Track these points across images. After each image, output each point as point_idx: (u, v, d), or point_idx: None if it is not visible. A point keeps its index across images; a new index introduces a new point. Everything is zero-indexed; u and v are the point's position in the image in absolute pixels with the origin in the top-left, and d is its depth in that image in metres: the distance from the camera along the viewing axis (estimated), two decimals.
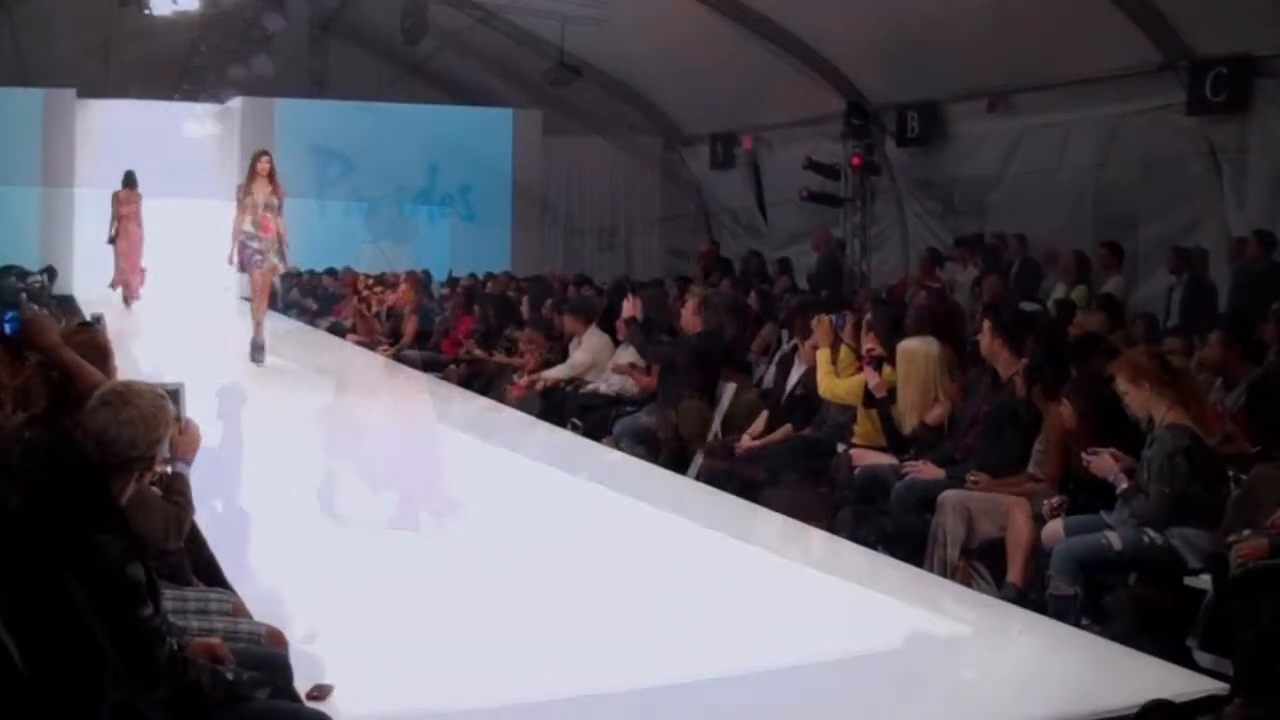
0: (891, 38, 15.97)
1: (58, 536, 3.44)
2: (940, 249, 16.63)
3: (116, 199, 19.93)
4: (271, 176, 12.97)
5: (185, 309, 19.85)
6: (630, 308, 10.52)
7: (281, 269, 13.73)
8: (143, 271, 19.85)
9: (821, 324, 8.83)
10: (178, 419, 4.78)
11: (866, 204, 18.61)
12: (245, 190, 13.07)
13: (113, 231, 19.70)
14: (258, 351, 13.14)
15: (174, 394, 4.69)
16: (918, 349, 8.11)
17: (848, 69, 17.64)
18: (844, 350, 8.83)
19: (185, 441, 4.82)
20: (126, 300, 19.33)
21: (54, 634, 3.39)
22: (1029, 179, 15.74)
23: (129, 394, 3.68)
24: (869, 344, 8.36)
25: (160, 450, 3.72)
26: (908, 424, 8.09)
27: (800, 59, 17.72)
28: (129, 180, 19.98)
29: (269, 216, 12.94)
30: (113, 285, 19.43)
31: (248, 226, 12.97)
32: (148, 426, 3.62)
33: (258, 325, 13.28)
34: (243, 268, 13.32)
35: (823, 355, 8.77)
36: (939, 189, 17.60)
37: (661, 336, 11.47)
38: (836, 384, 8.68)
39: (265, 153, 13.28)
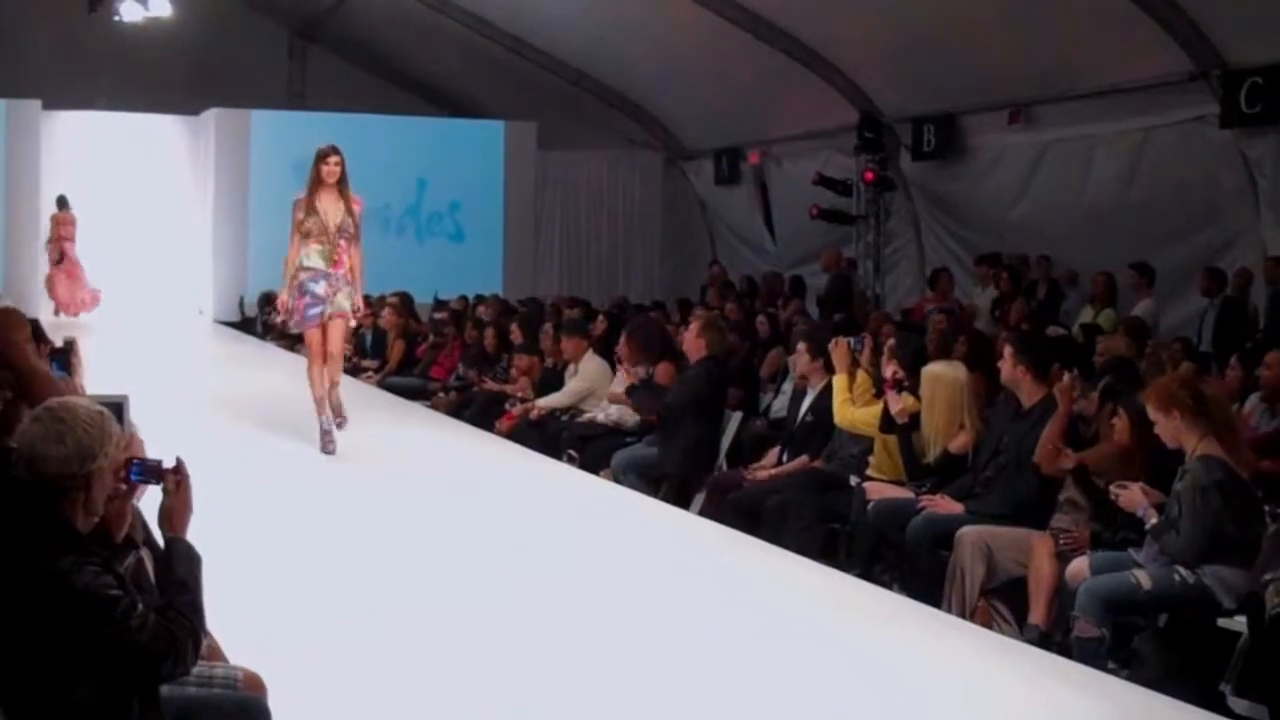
0: (907, 46, 16.05)
1: (11, 574, 3.46)
2: (950, 270, 16.66)
3: (54, 221, 20.52)
4: (343, 185, 9.79)
5: (158, 333, 19.87)
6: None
7: (352, 320, 10.23)
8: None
9: (840, 348, 8.84)
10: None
11: (880, 222, 18.67)
12: (306, 205, 9.80)
13: (52, 255, 20.43)
14: (327, 439, 10.00)
15: (117, 408, 4.68)
16: (945, 374, 8.15)
17: (860, 78, 17.71)
18: (860, 377, 8.86)
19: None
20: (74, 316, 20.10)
21: (39, 678, 3.45)
22: (1053, 195, 15.79)
23: (61, 409, 3.66)
24: (892, 369, 8.39)
25: (100, 470, 3.67)
26: (931, 452, 8.11)
27: (810, 68, 17.79)
28: (62, 202, 20.90)
29: (343, 246, 9.81)
30: (56, 312, 20.26)
31: (314, 260, 9.76)
32: (79, 443, 3.58)
33: (333, 386, 10.05)
34: (298, 320, 10.09)
35: (840, 382, 8.78)
36: (957, 206, 17.64)
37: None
38: (854, 413, 8.69)
39: (334, 150, 9.81)
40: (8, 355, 4.57)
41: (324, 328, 9.88)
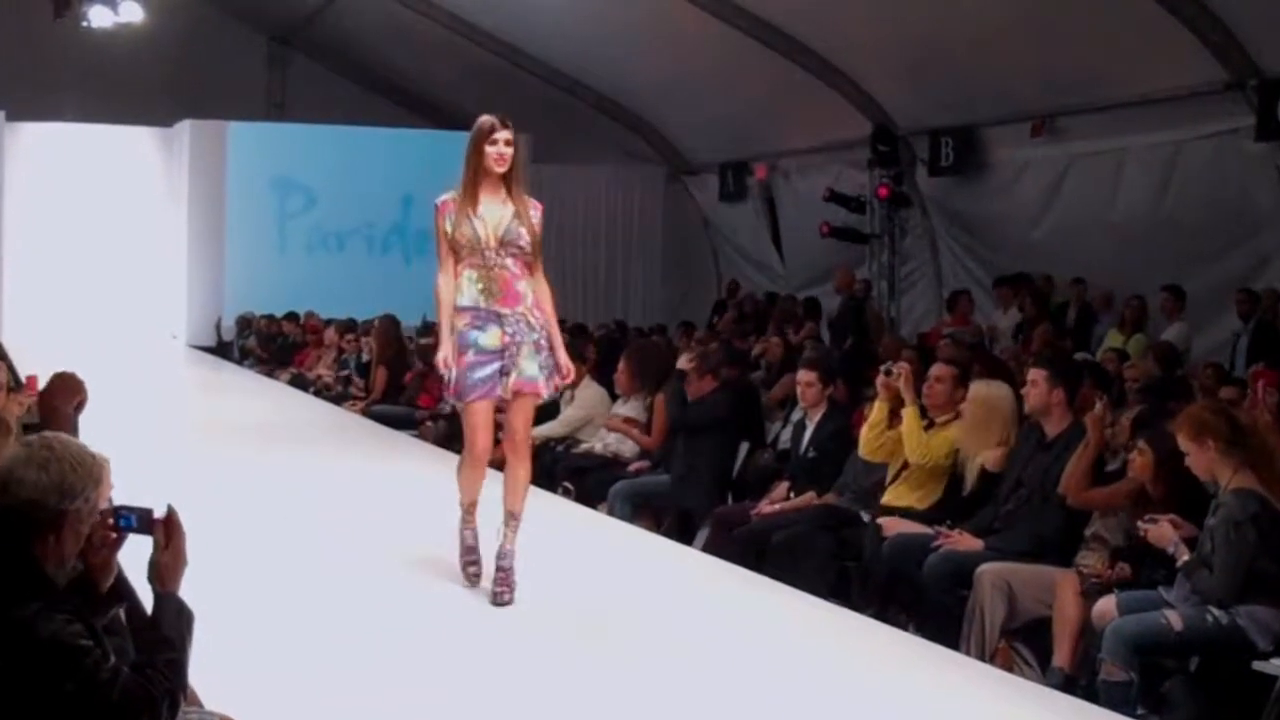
0: (923, 53, 16.10)
1: None
2: (970, 291, 16.69)
3: None
4: (513, 177, 6.89)
5: (129, 359, 19.85)
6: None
7: (547, 392, 7.15)
8: None
9: (906, 376, 8.55)
10: None
11: (895, 241, 18.71)
12: (460, 206, 6.82)
13: None
14: (504, 582, 6.88)
15: None
16: (994, 392, 8.18)
17: (874, 88, 17.77)
18: (878, 406, 8.77)
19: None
20: None
21: None
22: (1078, 212, 15.83)
23: (54, 441, 3.66)
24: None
25: (77, 513, 3.65)
26: (983, 469, 8.08)
27: (820, 77, 17.84)
28: None
29: (510, 270, 6.81)
30: None
31: (471, 295, 6.78)
32: (63, 477, 3.56)
33: (508, 510, 7.06)
34: (457, 391, 6.88)
35: (910, 414, 8.42)
36: (977, 224, 17.68)
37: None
38: (928, 441, 8.41)
39: (505, 124, 6.74)
40: (51, 421, 4.59)
41: (504, 404, 6.97)
